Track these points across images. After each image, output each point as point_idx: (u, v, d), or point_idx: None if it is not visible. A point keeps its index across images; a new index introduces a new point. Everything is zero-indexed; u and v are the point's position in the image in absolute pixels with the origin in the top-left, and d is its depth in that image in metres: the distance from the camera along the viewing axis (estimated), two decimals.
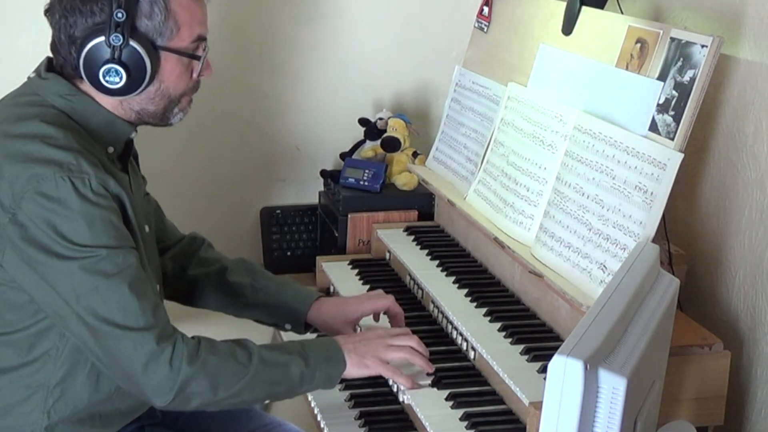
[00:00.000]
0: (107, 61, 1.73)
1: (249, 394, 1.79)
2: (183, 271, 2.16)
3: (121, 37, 1.73)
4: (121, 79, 1.75)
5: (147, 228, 1.89)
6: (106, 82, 1.75)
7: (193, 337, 1.77)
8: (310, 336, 2.13)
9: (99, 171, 1.70)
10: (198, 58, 1.84)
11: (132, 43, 1.74)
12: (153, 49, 1.77)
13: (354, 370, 1.89)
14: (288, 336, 2.20)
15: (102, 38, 1.73)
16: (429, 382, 1.97)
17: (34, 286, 1.70)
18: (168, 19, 1.77)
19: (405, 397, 1.98)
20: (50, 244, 1.66)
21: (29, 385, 1.78)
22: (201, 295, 2.17)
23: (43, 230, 1.66)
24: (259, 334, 2.28)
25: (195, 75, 1.86)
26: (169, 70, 1.81)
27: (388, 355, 1.93)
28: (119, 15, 1.72)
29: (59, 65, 1.81)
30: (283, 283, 2.20)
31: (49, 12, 1.79)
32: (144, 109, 1.83)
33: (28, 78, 1.84)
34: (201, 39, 1.84)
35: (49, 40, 1.82)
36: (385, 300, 2.15)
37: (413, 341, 1.98)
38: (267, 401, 1.92)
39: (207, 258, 2.20)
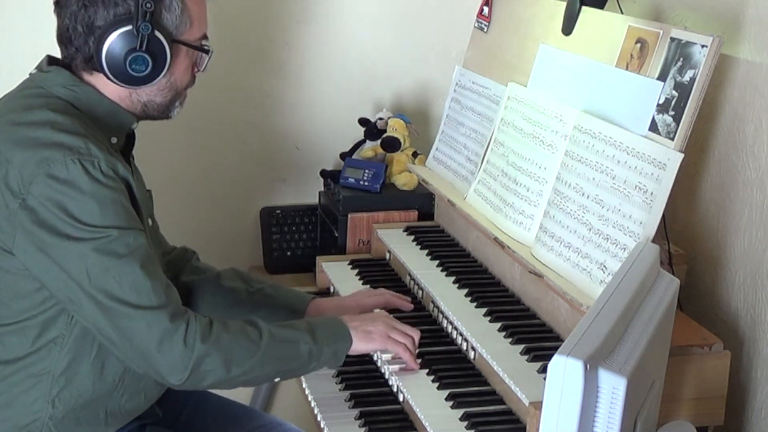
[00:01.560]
0: (133, 50, 1.77)
1: (260, 371, 1.82)
2: (176, 279, 2.16)
3: (149, 26, 1.76)
4: (146, 67, 1.79)
5: (150, 221, 1.91)
6: (132, 70, 1.78)
7: (204, 316, 1.78)
8: None
9: (107, 154, 1.72)
10: (207, 51, 1.89)
11: (156, 33, 1.78)
12: (170, 41, 1.81)
13: (360, 344, 1.93)
14: None
15: (129, 27, 1.76)
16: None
17: (45, 270, 1.71)
18: (183, 13, 1.82)
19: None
20: (61, 226, 1.68)
21: (34, 373, 1.79)
22: (195, 302, 2.18)
23: (54, 212, 1.67)
24: None
25: (197, 69, 1.91)
26: (179, 63, 1.86)
27: (393, 334, 1.97)
28: (148, 5, 1.75)
29: (69, 57, 1.83)
30: (277, 285, 2.24)
31: (61, 3, 1.81)
32: (151, 101, 1.87)
33: (30, 74, 1.86)
34: (205, 37, 1.90)
35: (52, 39, 1.83)
36: (382, 297, 2.21)
37: (416, 334, 2.01)
38: (277, 380, 1.93)
39: (199, 267, 2.22)
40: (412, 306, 2.25)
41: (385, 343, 1.95)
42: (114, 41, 1.77)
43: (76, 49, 1.81)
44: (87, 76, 1.83)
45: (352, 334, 1.92)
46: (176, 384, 1.75)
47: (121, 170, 1.74)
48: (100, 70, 1.79)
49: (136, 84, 1.81)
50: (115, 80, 1.80)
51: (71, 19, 1.79)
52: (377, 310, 2.16)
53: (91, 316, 1.72)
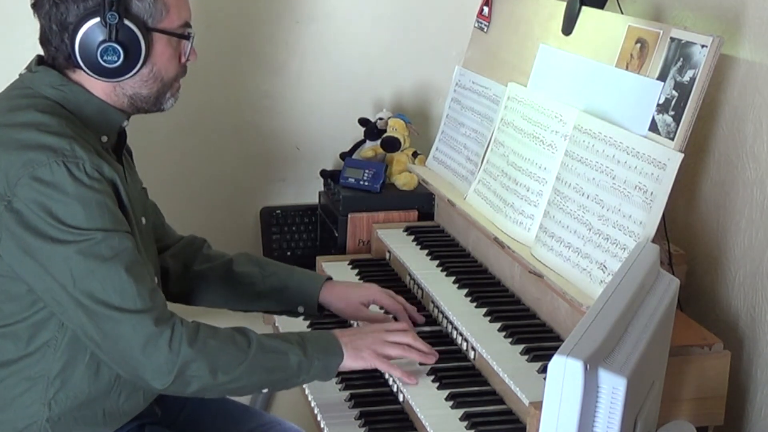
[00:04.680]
0: (104, 41, 1.76)
1: (247, 380, 1.80)
2: (187, 269, 2.16)
3: (116, 15, 1.75)
4: (118, 58, 1.78)
5: (144, 220, 1.91)
6: (104, 62, 1.77)
7: (191, 321, 1.78)
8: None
9: (93, 156, 1.71)
10: (188, 38, 1.87)
11: (126, 22, 1.77)
12: (145, 29, 1.80)
13: (350, 362, 1.91)
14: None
15: (97, 19, 1.76)
16: (423, 376, 1.99)
17: (31, 273, 1.70)
18: (157, 1, 1.80)
19: (401, 388, 1.99)
20: (46, 229, 1.67)
21: (29, 376, 1.79)
22: (208, 291, 2.18)
23: (39, 215, 1.67)
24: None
25: (183, 58, 1.89)
26: (160, 52, 1.84)
27: (384, 350, 1.95)
28: None
29: (51, 57, 1.83)
30: (290, 267, 2.23)
31: (36, 4, 1.81)
32: (137, 94, 1.85)
33: (20, 74, 1.86)
34: (188, 24, 1.88)
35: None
36: (397, 304, 2.18)
37: (409, 337, 1.99)
38: (265, 390, 1.93)
39: (210, 254, 2.21)
40: (423, 320, 2.22)
41: (374, 361, 1.93)
42: (85, 34, 1.76)
43: (56, 48, 1.80)
44: (72, 75, 1.83)
45: (344, 349, 1.90)
46: (160, 389, 1.74)
47: (107, 171, 1.73)
48: (78, 65, 1.79)
49: (115, 76, 1.80)
50: (92, 74, 1.79)
51: (46, 19, 1.80)
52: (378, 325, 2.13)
53: (76, 319, 1.71)
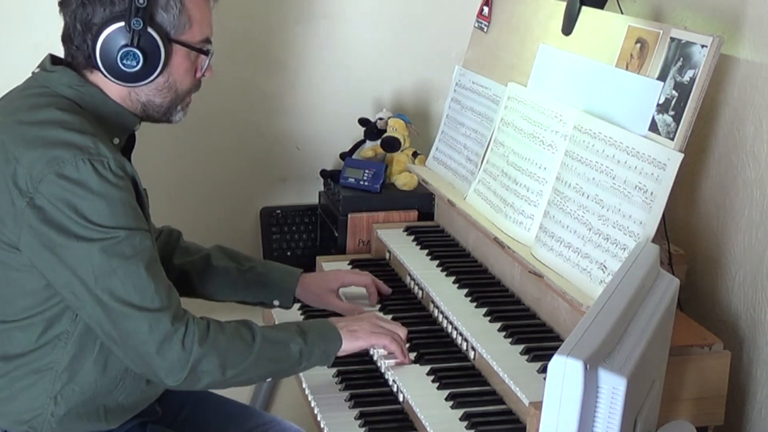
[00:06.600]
0: (125, 45, 1.79)
1: (254, 372, 1.86)
2: (166, 262, 2.19)
3: (141, 21, 1.78)
4: (137, 63, 1.80)
5: None
6: (123, 65, 1.80)
7: (202, 318, 1.81)
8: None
9: (116, 154, 1.74)
10: (207, 53, 1.90)
11: (150, 30, 1.79)
12: (167, 40, 1.82)
13: (348, 344, 1.97)
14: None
15: (122, 23, 1.78)
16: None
17: (51, 268, 1.72)
18: (182, 14, 1.83)
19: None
20: (71, 226, 1.69)
21: (37, 369, 1.81)
22: (186, 284, 2.21)
23: (64, 212, 1.68)
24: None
25: (199, 73, 1.92)
26: (178, 64, 1.86)
27: (377, 330, 2.01)
28: (140, 1, 1.77)
29: (70, 55, 1.85)
30: (266, 262, 2.30)
31: (64, 3, 1.84)
32: (151, 101, 1.88)
33: (33, 73, 1.87)
34: (208, 41, 1.91)
35: (52, 39, 1.86)
36: (365, 277, 2.30)
37: (403, 331, 2.06)
38: (269, 380, 1.98)
39: (188, 247, 2.26)
40: (390, 290, 2.34)
41: (369, 340, 1.99)
42: (107, 37, 1.79)
43: (77, 47, 1.83)
44: (90, 76, 1.85)
45: (341, 335, 1.95)
46: (172, 385, 1.78)
47: (129, 169, 1.76)
48: (97, 67, 1.81)
49: (131, 81, 1.82)
50: (110, 77, 1.81)
51: (71, 18, 1.82)
52: (366, 312, 2.20)
53: (94, 315, 1.73)
